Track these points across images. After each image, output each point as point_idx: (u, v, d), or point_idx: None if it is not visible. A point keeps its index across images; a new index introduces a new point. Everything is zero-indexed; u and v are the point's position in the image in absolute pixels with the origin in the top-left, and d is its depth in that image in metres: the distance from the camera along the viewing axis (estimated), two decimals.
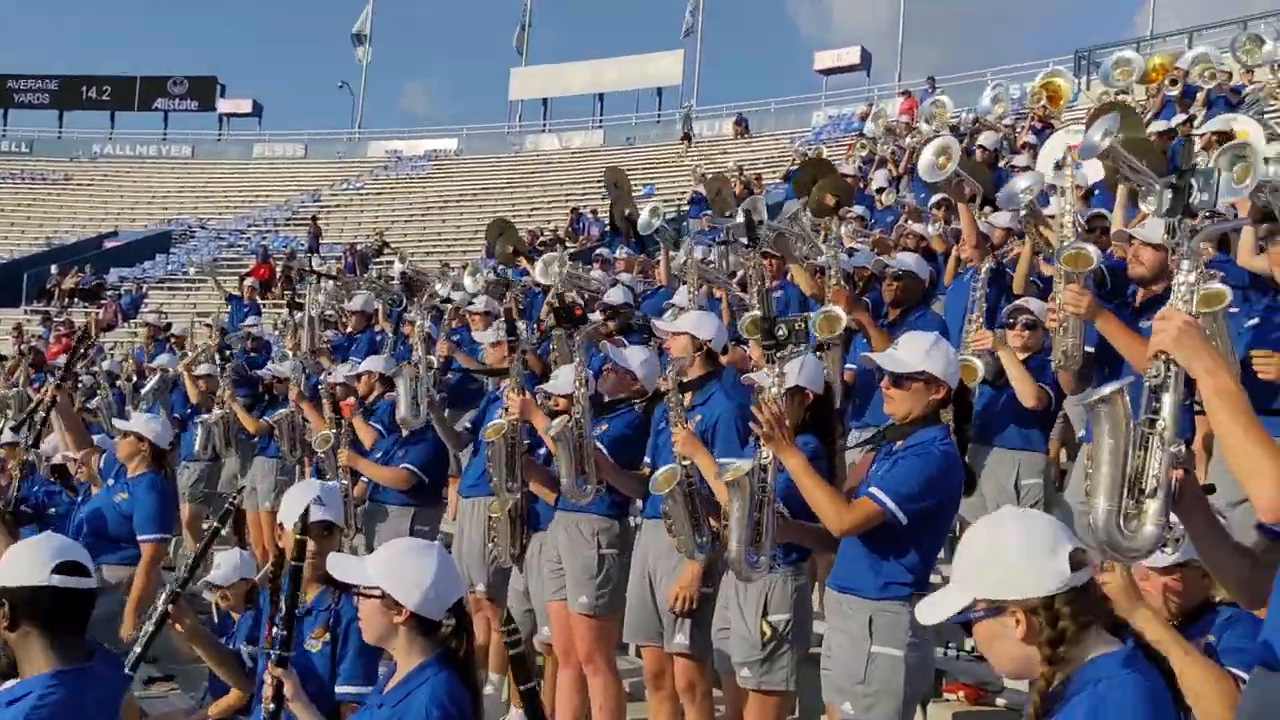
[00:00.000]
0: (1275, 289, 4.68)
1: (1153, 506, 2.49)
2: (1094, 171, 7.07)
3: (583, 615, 5.37)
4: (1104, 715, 2.08)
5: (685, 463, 4.41)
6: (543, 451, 5.74)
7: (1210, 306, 4.35)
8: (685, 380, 5.08)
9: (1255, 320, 4.63)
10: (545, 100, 43.37)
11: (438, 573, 3.01)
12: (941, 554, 4.19)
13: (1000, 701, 5.19)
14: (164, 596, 4.01)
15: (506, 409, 5.61)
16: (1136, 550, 2.51)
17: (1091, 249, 5.11)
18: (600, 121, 41.69)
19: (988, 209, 9.86)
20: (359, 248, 28.64)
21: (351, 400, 7.72)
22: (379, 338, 11.36)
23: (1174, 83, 13.21)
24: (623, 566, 5.36)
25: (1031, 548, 2.19)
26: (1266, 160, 6.52)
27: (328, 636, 3.97)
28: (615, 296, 8.56)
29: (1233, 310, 4.68)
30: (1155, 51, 17.99)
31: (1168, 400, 2.50)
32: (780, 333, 4.12)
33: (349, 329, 12.03)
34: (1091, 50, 23.96)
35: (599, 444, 5.27)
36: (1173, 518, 2.54)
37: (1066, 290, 4.94)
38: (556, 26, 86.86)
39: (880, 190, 13.71)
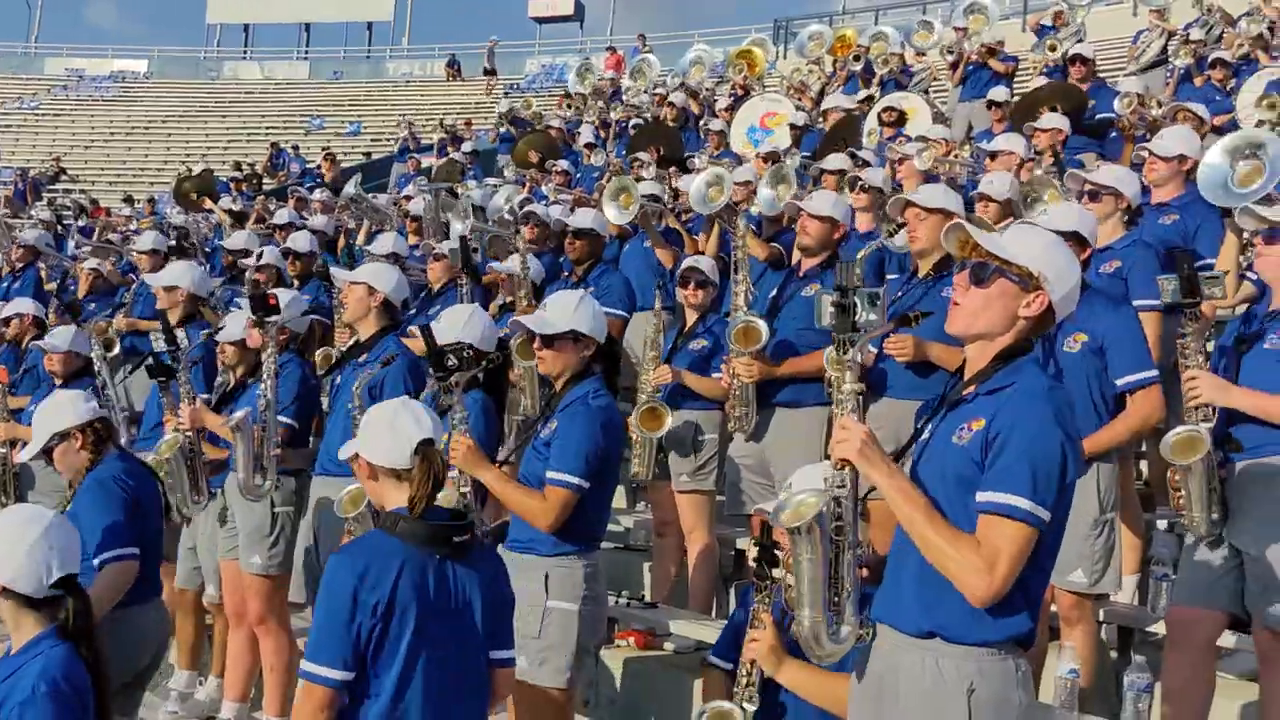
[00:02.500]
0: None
1: (848, 608, 2.69)
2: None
3: (255, 575, 5.25)
4: None
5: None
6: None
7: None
8: (360, 339, 5.02)
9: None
10: (247, 27, 41.07)
11: (36, 544, 2.83)
12: None
13: (669, 646, 5.43)
14: None
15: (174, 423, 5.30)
16: (842, 650, 2.72)
17: (760, 323, 5.16)
18: (306, 53, 39.93)
19: (674, 170, 10.23)
20: (32, 173, 26.47)
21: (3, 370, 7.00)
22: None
23: (857, 59, 14.01)
24: (296, 525, 5.28)
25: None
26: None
27: None
28: (300, 243, 8.26)
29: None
30: (845, 26, 19.01)
31: (849, 505, 2.68)
32: (450, 363, 4.04)
33: (15, 262, 11.14)
34: (789, 21, 25.04)
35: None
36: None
37: (737, 362, 5.17)
38: None
39: (588, 146, 13.84)
